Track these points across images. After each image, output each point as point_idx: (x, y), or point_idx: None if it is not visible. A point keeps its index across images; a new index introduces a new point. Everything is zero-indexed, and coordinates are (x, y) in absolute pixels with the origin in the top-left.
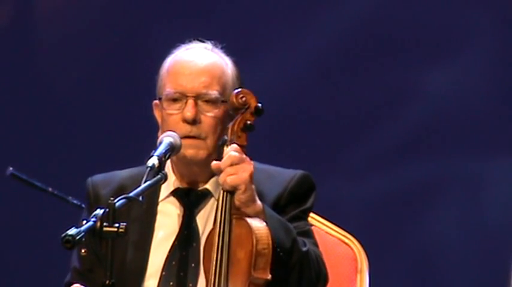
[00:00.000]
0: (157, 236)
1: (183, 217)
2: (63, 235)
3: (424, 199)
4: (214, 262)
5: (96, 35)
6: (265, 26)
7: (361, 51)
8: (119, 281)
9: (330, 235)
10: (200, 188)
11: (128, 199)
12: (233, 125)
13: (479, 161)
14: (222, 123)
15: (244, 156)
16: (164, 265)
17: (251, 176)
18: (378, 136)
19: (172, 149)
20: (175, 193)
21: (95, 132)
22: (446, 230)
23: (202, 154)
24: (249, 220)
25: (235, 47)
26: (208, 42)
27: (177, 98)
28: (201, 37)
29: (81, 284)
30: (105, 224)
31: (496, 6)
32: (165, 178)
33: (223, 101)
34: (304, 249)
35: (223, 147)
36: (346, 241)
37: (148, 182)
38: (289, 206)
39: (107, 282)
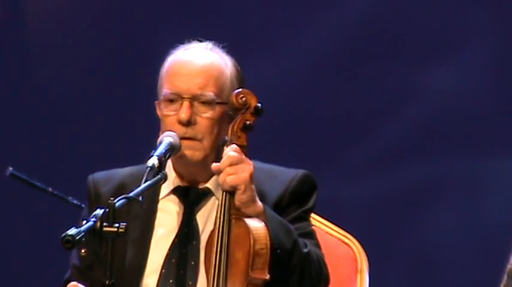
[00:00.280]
0: (157, 233)
1: (183, 215)
2: (63, 235)
3: (424, 199)
4: (213, 263)
5: (98, 33)
6: (265, 26)
7: (361, 51)
8: (119, 279)
9: (330, 235)
10: (201, 187)
11: (128, 199)
12: (233, 126)
13: (479, 161)
14: (218, 124)
15: (243, 156)
16: (164, 262)
17: (251, 176)
18: (378, 136)
19: (172, 149)
20: (176, 191)
21: (95, 132)
22: (446, 230)
23: (198, 155)
24: (247, 220)
25: (236, 47)
26: (209, 41)
27: (174, 99)
28: (202, 37)
29: (80, 282)
30: (105, 224)
31: (496, 6)
32: (165, 178)
33: (219, 103)
34: (305, 250)
35: (223, 147)
36: (346, 241)
37: (148, 182)
38: (291, 207)
39: (107, 282)
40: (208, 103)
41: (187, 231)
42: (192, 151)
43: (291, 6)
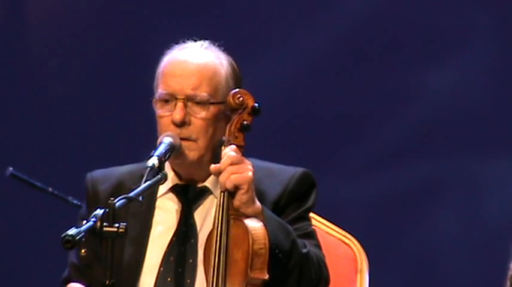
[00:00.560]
0: (155, 231)
1: (181, 213)
2: (63, 235)
3: (424, 199)
4: (212, 263)
5: (97, 33)
6: (265, 26)
7: (361, 51)
8: (117, 277)
9: (330, 235)
10: (199, 185)
11: (128, 199)
12: (230, 126)
13: (479, 161)
14: (214, 124)
15: (242, 156)
16: (162, 260)
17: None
18: (377, 136)
19: (172, 149)
20: (174, 189)
21: (95, 132)
22: (446, 230)
23: (193, 155)
24: (245, 220)
25: (235, 47)
26: (204, 40)
27: (168, 100)
28: (201, 37)
29: (79, 281)
30: (105, 224)
31: (496, 6)
32: (164, 178)
33: (214, 103)
34: (304, 251)
35: (221, 148)
36: (346, 241)
37: (148, 182)
38: (291, 206)
39: (107, 282)
40: (202, 103)
41: (185, 229)
42: (187, 151)
43: (291, 6)
